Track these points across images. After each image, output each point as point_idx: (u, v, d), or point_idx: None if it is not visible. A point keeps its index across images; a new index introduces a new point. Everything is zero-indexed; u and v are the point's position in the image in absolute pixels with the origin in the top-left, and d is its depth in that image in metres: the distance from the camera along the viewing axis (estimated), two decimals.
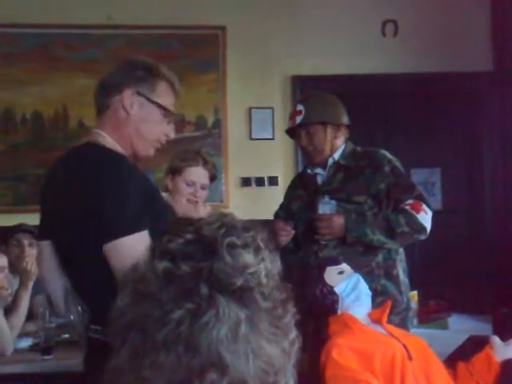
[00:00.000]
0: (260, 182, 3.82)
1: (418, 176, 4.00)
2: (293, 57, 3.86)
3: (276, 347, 0.68)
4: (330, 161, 2.33)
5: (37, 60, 3.75)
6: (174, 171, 2.32)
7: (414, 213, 2.18)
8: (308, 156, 2.37)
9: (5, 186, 3.69)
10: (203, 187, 2.33)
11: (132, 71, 1.52)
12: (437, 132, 4.00)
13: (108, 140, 1.50)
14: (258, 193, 3.79)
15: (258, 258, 0.70)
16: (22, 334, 2.70)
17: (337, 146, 2.33)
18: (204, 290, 0.65)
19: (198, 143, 3.75)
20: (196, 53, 3.81)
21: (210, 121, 3.84)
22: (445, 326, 2.85)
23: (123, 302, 0.69)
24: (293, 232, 2.24)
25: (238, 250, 0.69)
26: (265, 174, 3.83)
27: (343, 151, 2.33)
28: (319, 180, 2.36)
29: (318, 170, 2.37)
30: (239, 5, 3.84)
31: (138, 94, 1.50)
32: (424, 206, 2.21)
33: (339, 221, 2.18)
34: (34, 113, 3.75)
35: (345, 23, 3.89)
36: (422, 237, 2.24)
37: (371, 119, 3.95)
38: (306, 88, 3.80)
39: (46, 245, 1.54)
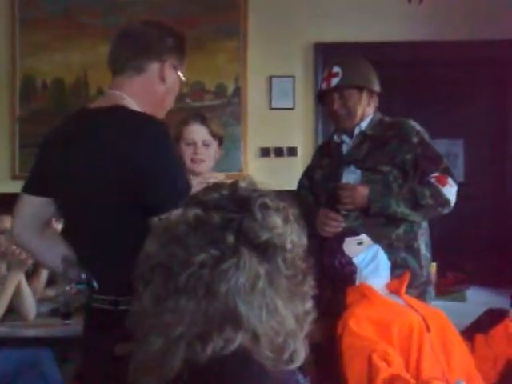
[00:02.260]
0: (279, 152, 3.79)
1: (440, 147, 3.84)
2: (315, 23, 3.78)
3: (290, 311, 0.69)
4: (357, 130, 2.29)
5: (58, 26, 3.73)
6: (177, 137, 2.23)
7: (439, 186, 2.15)
8: (338, 120, 2.30)
9: (25, 153, 3.72)
10: (205, 144, 2.22)
11: (167, 39, 1.51)
12: (460, 102, 3.91)
13: (132, 103, 1.46)
14: (276, 163, 3.77)
15: (286, 224, 0.72)
16: (42, 299, 2.76)
17: (367, 113, 2.28)
18: (230, 239, 0.68)
19: (218, 112, 3.73)
20: (217, 19, 3.75)
21: (230, 89, 3.80)
22: (463, 299, 2.84)
23: (151, 246, 0.72)
24: (342, 225, 2.15)
25: (270, 211, 0.72)
26: (284, 145, 3.80)
27: (371, 120, 2.29)
28: (344, 149, 2.32)
29: (345, 138, 2.32)
30: None
31: (174, 67, 1.52)
32: (450, 180, 2.18)
33: (363, 191, 2.15)
34: (55, 79, 3.75)
35: None
36: (446, 210, 2.21)
37: (394, 87, 3.86)
38: (328, 56, 3.73)
39: (38, 200, 1.50)
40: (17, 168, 3.74)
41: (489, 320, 2.35)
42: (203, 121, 2.24)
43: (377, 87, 2.30)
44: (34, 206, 1.52)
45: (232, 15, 3.76)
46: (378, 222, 2.17)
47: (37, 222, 1.53)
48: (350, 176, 2.23)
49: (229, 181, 0.79)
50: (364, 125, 2.28)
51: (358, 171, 2.21)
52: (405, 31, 3.77)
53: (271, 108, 3.81)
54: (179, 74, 1.54)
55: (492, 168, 3.96)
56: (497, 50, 3.78)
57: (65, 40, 3.72)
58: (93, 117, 1.46)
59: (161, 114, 1.55)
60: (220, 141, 2.32)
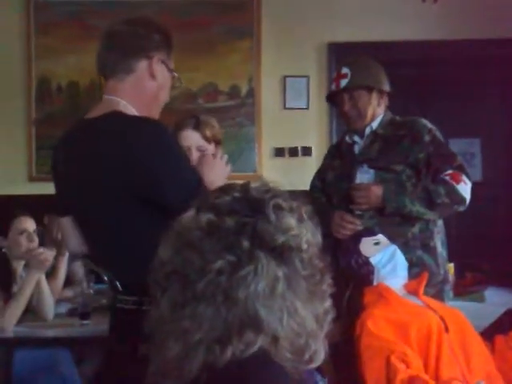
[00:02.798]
0: (293, 152, 3.79)
1: (456, 146, 3.87)
2: (329, 23, 3.77)
3: (310, 312, 0.69)
4: (368, 130, 2.28)
5: (72, 29, 3.76)
6: None
7: (454, 183, 2.14)
8: (349, 121, 2.30)
9: (42, 155, 3.75)
10: (200, 150, 2.08)
11: (151, 35, 1.50)
12: (477, 101, 3.87)
13: (126, 106, 1.47)
14: (291, 163, 3.76)
15: (301, 224, 0.71)
16: (60, 300, 2.77)
17: (378, 113, 2.28)
18: (246, 243, 0.67)
19: (232, 113, 3.73)
20: (230, 20, 3.76)
21: (244, 90, 3.80)
22: (481, 299, 2.81)
23: (165, 253, 0.71)
24: (359, 227, 2.14)
25: (284, 212, 0.71)
26: (298, 144, 3.79)
27: (381, 120, 2.28)
28: (356, 150, 2.32)
29: (356, 139, 2.32)
30: None
31: (162, 61, 1.51)
32: (464, 177, 2.16)
33: (377, 191, 2.14)
34: (70, 82, 3.77)
35: None
36: (461, 208, 2.19)
37: (408, 87, 3.85)
38: (342, 55, 3.71)
39: (69, 220, 1.55)
40: (34, 170, 3.77)
41: (509, 320, 2.32)
42: (196, 126, 2.10)
43: (386, 87, 2.29)
44: (70, 226, 1.56)
45: (245, 16, 3.76)
46: (393, 221, 2.16)
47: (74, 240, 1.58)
48: (364, 176, 2.21)
49: (239, 182, 0.78)
50: (375, 124, 2.27)
51: (372, 171, 2.20)
52: (418, 30, 3.75)
53: (285, 108, 3.80)
54: (170, 67, 1.53)
55: (509, 167, 3.91)
56: (510, 48, 3.74)
57: (79, 43, 3.74)
58: (90, 127, 1.47)
59: (156, 111, 1.54)
60: (216, 142, 2.21)
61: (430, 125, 2.26)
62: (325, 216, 2.17)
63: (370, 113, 2.25)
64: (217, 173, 1.54)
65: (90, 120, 1.48)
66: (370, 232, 1.93)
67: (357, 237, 1.92)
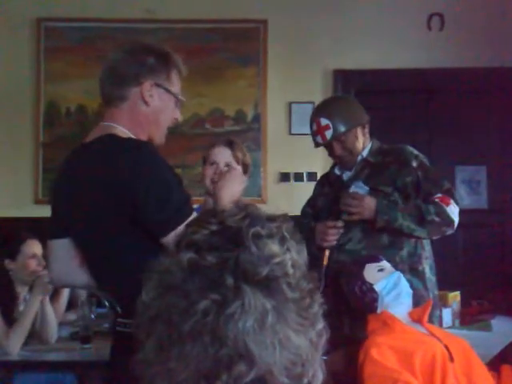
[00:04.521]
0: (299, 177, 3.79)
1: (462, 174, 3.90)
2: (335, 50, 3.81)
3: (303, 338, 0.67)
4: (359, 158, 2.32)
5: (81, 54, 3.81)
6: (204, 159, 2.24)
7: (443, 205, 2.18)
8: (342, 162, 2.35)
9: (49, 178, 3.77)
10: (228, 166, 2.18)
11: (145, 60, 1.50)
12: (483, 129, 3.88)
13: (123, 131, 1.47)
14: (296, 188, 3.76)
15: (283, 248, 0.69)
16: (62, 323, 2.76)
17: (365, 143, 2.33)
18: (230, 280, 0.65)
19: (238, 137, 3.74)
20: (237, 47, 3.80)
21: (250, 115, 3.82)
22: (488, 328, 2.77)
23: (148, 295, 0.69)
24: (341, 231, 2.20)
25: (264, 240, 0.68)
26: (304, 170, 3.80)
27: (370, 148, 2.33)
28: (345, 177, 2.36)
29: (346, 172, 2.37)
30: None
31: (157, 85, 1.50)
32: (452, 201, 2.20)
33: (371, 202, 2.17)
34: (79, 106, 3.82)
35: (389, 16, 3.81)
36: (450, 231, 2.23)
37: (414, 115, 3.87)
38: (347, 82, 3.75)
39: (61, 243, 1.53)
40: (40, 193, 3.79)
41: None
42: (229, 144, 2.24)
43: (366, 118, 2.33)
44: (61, 250, 1.54)
45: (251, 42, 3.81)
46: (380, 244, 2.18)
47: (67, 262, 1.55)
48: (358, 190, 2.25)
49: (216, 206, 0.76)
50: (365, 153, 2.32)
51: (366, 187, 2.24)
52: (425, 58, 3.78)
53: (291, 133, 3.82)
54: (169, 89, 1.52)
55: None
56: None
57: (88, 68, 3.79)
58: (82, 151, 1.49)
59: (157, 135, 1.54)
60: (245, 168, 2.29)
61: (416, 151, 2.31)
62: (311, 240, 2.20)
63: (359, 148, 2.30)
64: (234, 187, 1.58)
65: (84, 144, 1.51)
66: (373, 258, 1.92)
67: (360, 262, 1.91)
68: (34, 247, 2.64)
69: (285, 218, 0.73)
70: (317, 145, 2.39)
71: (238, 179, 1.62)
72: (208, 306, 0.64)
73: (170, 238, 1.32)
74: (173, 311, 0.65)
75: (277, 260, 0.67)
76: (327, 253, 2.19)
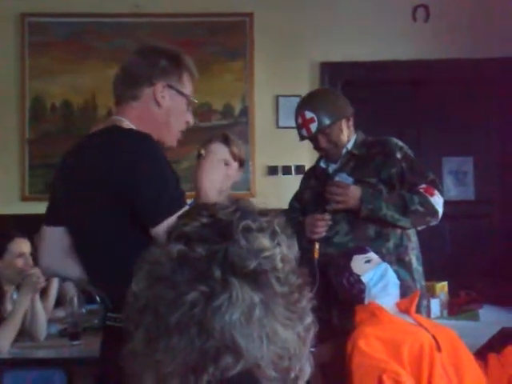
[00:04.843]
0: (287, 170, 3.80)
1: (449, 165, 3.92)
2: (321, 43, 3.81)
3: (291, 332, 0.67)
4: (343, 151, 2.34)
5: (66, 49, 3.78)
6: (198, 156, 2.26)
7: (427, 195, 2.19)
8: (328, 154, 2.36)
9: (36, 174, 3.75)
10: (225, 163, 2.16)
11: (158, 61, 1.52)
12: (469, 120, 3.90)
13: (130, 125, 1.48)
14: (284, 181, 3.76)
15: (273, 242, 0.69)
16: (51, 320, 2.75)
17: (350, 136, 2.34)
18: (217, 272, 0.65)
19: (225, 131, 3.74)
20: (223, 40, 3.79)
21: (237, 109, 3.82)
22: (476, 318, 2.80)
23: (138, 286, 0.69)
24: (329, 222, 2.21)
25: (254, 234, 0.68)
26: (292, 163, 3.80)
27: (355, 141, 2.34)
28: (331, 170, 2.38)
29: (331, 164, 2.38)
30: None
31: (169, 86, 1.52)
32: (437, 192, 2.21)
33: (356, 191, 2.18)
34: (64, 101, 3.78)
35: (375, 8, 3.81)
36: (434, 221, 2.24)
37: (401, 106, 3.88)
38: (334, 75, 3.75)
39: (56, 231, 1.53)
40: (26, 190, 3.76)
41: (503, 340, 2.31)
42: (225, 140, 2.25)
43: (350, 111, 2.35)
44: (54, 237, 1.54)
45: (238, 36, 3.80)
46: (367, 236, 2.20)
47: (61, 251, 1.55)
48: (343, 181, 2.25)
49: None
50: (350, 145, 2.34)
51: (350, 178, 2.25)
52: (410, 50, 3.78)
53: (278, 127, 3.82)
54: (180, 91, 1.54)
55: (502, 186, 3.93)
56: (504, 68, 3.77)
57: (73, 63, 3.77)
58: (85, 141, 1.51)
59: (169, 138, 1.55)
60: (241, 163, 2.32)
61: (400, 143, 2.33)
62: (301, 233, 2.20)
63: (344, 140, 2.31)
64: (214, 175, 1.57)
65: (88, 134, 1.53)
66: (360, 249, 1.93)
67: (348, 254, 1.91)
68: (21, 246, 2.62)
69: (276, 212, 0.73)
70: (302, 138, 2.40)
71: (214, 168, 1.61)
72: (196, 297, 0.64)
73: (159, 229, 1.32)
74: (161, 302, 0.65)
75: (266, 254, 0.67)
76: (317, 246, 2.19)
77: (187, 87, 1.56)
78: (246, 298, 0.65)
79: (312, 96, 2.44)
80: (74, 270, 1.54)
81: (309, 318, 0.70)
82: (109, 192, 1.38)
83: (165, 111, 1.52)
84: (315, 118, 2.26)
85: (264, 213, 0.72)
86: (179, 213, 1.31)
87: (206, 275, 0.65)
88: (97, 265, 1.47)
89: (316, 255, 2.18)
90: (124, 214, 1.38)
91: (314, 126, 2.27)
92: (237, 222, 0.68)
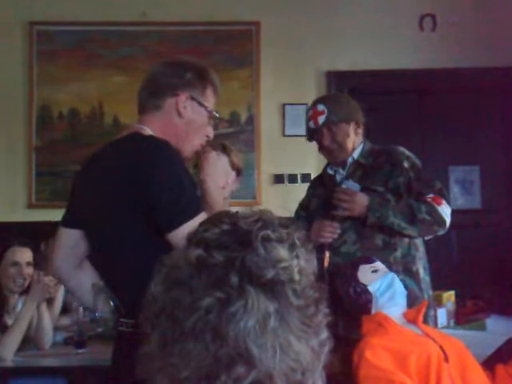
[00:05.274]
0: (293, 178, 3.79)
1: (455, 174, 3.91)
2: (328, 52, 3.82)
3: (305, 346, 0.67)
4: (350, 160, 2.33)
5: (73, 58, 3.80)
6: (195, 166, 2.26)
7: (435, 204, 2.18)
8: (330, 155, 2.36)
9: (42, 182, 3.76)
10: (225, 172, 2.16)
11: (184, 74, 1.55)
12: (475, 129, 3.89)
13: (150, 133, 1.51)
14: (290, 190, 3.76)
15: (292, 254, 0.69)
16: (57, 328, 2.75)
17: (357, 144, 2.34)
18: (234, 279, 0.65)
19: (231, 139, 3.74)
20: (230, 49, 3.80)
21: (244, 117, 3.83)
22: (483, 328, 2.78)
23: (156, 289, 0.70)
24: (338, 231, 2.20)
25: (272, 244, 0.69)
26: (298, 171, 3.80)
27: (362, 150, 2.34)
28: (338, 179, 2.36)
29: (339, 170, 2.37)
30: (273, 0, 3.82)
31: (192, 98, 1.54)
32: (444, 201, 2.20)
33: (363, 198, 2.17)
34: (71, 109, 3.80)
35: (381, 17, 3.81)
36: (442, 231, 2.23)
37: (407, 115, 3.88)
38: (341, 84, 3.76)
39: (73, 233, 1.55)
40: (33, 197, 3.77)
41: (510, 349, 2.29)
42: (224, 150, 2.24)
43: (362, 118, 2.35)
44: (70, 239, 1.56)
45: (244, 44, 3.81)
46: (375, 245, 2.19)
47: (74, 255, 1.57)
48: (349, 186, 2.25)
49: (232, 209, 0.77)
50: (356, 154, 2.33)
51: (357, 185, 2.24)
52: (417, 59, 3.78)
53: (284, 135, 3.82)
54: (202, 103, 1.55)
55: (509, 194, 3.91)
56: (510, 77, 3.77)
57: (80, 71, 3.79)
58: (107, 148, 1.54)
59: (187, 148, 1.57)
60: (238, 172, 2.32)
61: (408, 152, 2.32)
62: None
63: (349, 145, 2.31)
64: (216, 175, 1.61)
65: (111, 142, 1.56)
66: (367, 259, 1.92)
67: (354, 264, 1.91)
68: (17, 255, 2.62)
69: (298, 225, 0.73)
70: (308, 132, 2.38)
71: (216, 166, 1.62)
72: (211, 303, 0.64)
73: (175, 235, 1.33)
74: (177, 306, 0.66)
75: (283, 264, 0.68)
76: (328, 254, 2.18)
77: (210, 101, 1.59)
78: (262, 307, 0.65)
79: (329, 94, 2.50)
80: (84, 278, 1.56)
81: (324, 334, 0.69)
82: (126, 197, 1.39)
83: (185, 122, 1.54)
84: (325, 111, 2.27)
85: (285, 225, 0.72)
86: (195, 218, 1.32)
87: (222, 282, 0.65)
88: (111, 269, 1.48)
89: (326, 264, 2.17)
90: (141, 219, 1.39)
91: (321, 119, 2.28)
92: (256, 232, 0.69)
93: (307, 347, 0.67)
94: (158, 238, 1.36)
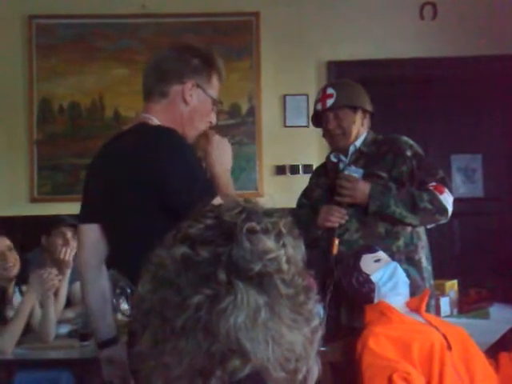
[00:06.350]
0: (294, 169, 3.79)
1: (458, 162, 3.90)
2: (328, 42, 3.80)
3: (298, 334, 0.66)
4: (352, 148, 2.32)
5: (73, 50, 3.79)
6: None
7: (437, 193, 2.18)
8: (333, 140, 2.35)
9: (43, 176, 3.76)
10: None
11: (190, 60, 1.55)
12: (478, 117, 3.88)
13: (157, 123, 1.53)
14: (292, 181, 3.75)
15: (278, 243, 0.68)
16: (61, 321, 2.76)
17: (361, 132, 2.33)
18: (222, 275, 0.64)
19: (232, 131, 3.74)
20: (230, 40, 3.79)
21: (244, 108, 3.81)
22: (486, 316, 2.78)
23: (144, 288, 0.69)
24: (346, 217, 2.20)
25: (258, 236, 0.67)
26: (299, 162, 3.79)
27: (365, 139, 2.33)
28: (341, 167, 2.35)
29: (342, 157, 2.36)
30: None
31: (198, 86, 1.55)
32: (446, 190, 2.20)
33: (364, 187, 2.17)
34: (71, 103, 3.80)
35: (382, 6, 3.79)
36: (443, 219, 2.22)
37: (409, 104, 3.86)
38: (341, 74, 3.74)
39: (91, 229, 1.57)
40: (35, 191, 3.77)
41: None
42: None
43: (369, 107, 2.35)
44: (91, 236, 1.58)
45: (244, 35, 3.80)
46: (377, 234, 2.19)
47: (96, 254, 1.59)
48: (352, 173, 2.24)
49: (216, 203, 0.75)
50: (358, 143, 2.32)
51: (360, 170, 2.24)
52: (418, 48, 3.77)
53: (285, 126, 3.81)
54: (207, 91, 1.56)
55: (511, 183, 3.90)
56: (510, 64, 3.75)
57: (80, 64, 3.78)
58: (116, 139, 1.56)
59: (191, 134, 1.58)
60: None
61: (411, 141, 2.32)
62: (311, 227, 2.20)
63: (354, 132, 2.30)
64: (223, 158, 1.60)
65: (119, 133, 1.58)
66: (370, 249, 1.92)
67: (357, 253, 1.91)
68: None
69: (283, 212, 0.72)
70: (315, 116, 2.38)
71: (221, 150, 1.62)
72: (200, 301, 0.64)
73: None
74: (166, 305, 0.65)
75: (271, 256, 0.67)
76: (337, 241, 2.18)
77: (214, 88, 1.60)
78: (251, 301, 0.64)
79: (340, 80, 2.52)
80: (104, 282, 1.60)
81: (316, 321, 0.69)
82: (142, 187, 1.41)
83: (190, 109, 1.56)
84: (334, 95, 2.28)
85: (270, 213, 0.70)
86: (212, 201, 1.33)
87: (210, 278, 0.64)
88: (128, 258, 1.49)
89: (335, 251, 2.16)
90: (157, 206, 1.40)
91: (329, 102, 2.28)
92: (241, 224, 0.67)
93: (299, 336, 0.67)
94: (173, 225, 1.38)
